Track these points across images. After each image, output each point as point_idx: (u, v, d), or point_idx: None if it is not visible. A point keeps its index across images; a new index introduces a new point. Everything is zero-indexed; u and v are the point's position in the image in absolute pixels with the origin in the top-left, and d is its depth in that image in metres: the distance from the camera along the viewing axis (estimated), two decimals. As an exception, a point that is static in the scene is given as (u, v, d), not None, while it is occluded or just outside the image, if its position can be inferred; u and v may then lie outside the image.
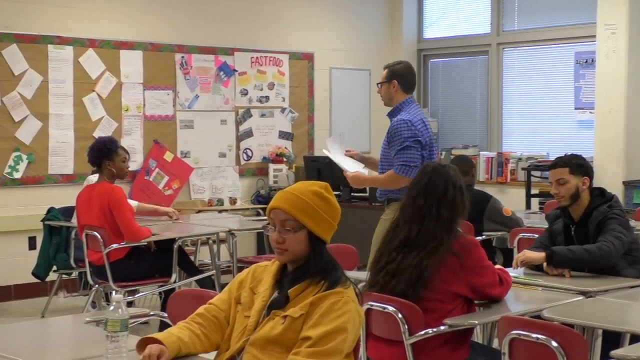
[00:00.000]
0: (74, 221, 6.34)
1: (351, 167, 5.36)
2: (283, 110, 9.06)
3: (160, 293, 6.08)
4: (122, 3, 7.95)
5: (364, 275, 3.72)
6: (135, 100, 8.02)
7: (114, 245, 5.58)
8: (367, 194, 7.80)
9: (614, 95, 7.77)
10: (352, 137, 9.47)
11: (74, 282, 7.26)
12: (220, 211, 8.15)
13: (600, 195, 4.20)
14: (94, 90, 7.77)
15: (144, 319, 4.73)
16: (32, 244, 7.37)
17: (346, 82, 9.56)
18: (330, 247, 2.75)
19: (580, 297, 3.64)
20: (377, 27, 9.79)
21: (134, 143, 7.96)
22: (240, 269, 5.81)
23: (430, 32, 9.96)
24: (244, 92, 8.76)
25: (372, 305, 3.47)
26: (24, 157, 7.39)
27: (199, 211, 8.00)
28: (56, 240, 6.66)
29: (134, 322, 2.87)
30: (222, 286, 5.56)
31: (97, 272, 5.77)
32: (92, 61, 7.74)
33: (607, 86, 7.82)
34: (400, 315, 3.36)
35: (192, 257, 6.57)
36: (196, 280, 6.08)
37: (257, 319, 2.65)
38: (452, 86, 9.81)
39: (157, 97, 8.17)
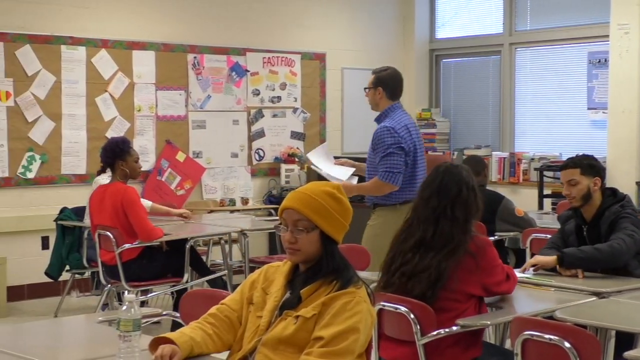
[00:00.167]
0: (87, 221, 6.37)
1: (341, 174, 5.44)
2: (295, 110, 9.06)
3: (172, 293, 6.09)
4: (134, 3, 7.97)
5: (375, 275, 3.71)
6: (147, 101, 8.04)
7: (127, 245, 5.59)
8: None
9: (627, 95, 7.73)
10: (363, 138, 9.45)
11: (86, 281, 7.29)
12: (232, 211, 8.16)
13: (612, 195, 4.19)
14: (106, 91, 7.79)
15: (156, 319, 4.74)
16: (45, 244, 7.40)
17: (358, 83, 9.49)
18: (342, 247, 2.75)
19: (593, 298, 3.63)
20: (389, 27, 9.78)
21: (146, 143, 7.98)
22: (252, 269, 5.84)
23: (442, 32, 9.95)
24: (256, 93, 8.76)
25: (384, 306, 3.46)
26: (37, 157, 7.42)
27: (211, 211, 8.01)
28: (69, 240, 6.69)
29: (146, 322, 2.88)
30: (234, 286, 5.58)
31: (110, 271, 5.78)
32: (104, 61, 7.77)
33: (620, 86, 7.79)
34: (412, 316, 3.36)
35: (204, 257, 6.58)
36: (207, 281, 6.09)
37: (270, 319, 2.65)
38: (465, 86, 9.79)
39: (169, 97, 8.19)
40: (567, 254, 4.00)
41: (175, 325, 4.59)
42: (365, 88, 5.50)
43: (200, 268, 6.12)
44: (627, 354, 2.77)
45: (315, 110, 9.19)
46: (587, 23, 8.63)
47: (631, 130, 7.72)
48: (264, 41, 8.78)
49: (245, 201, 8.54)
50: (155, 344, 2.61)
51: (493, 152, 9.18)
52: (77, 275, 6.95)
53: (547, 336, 2.95)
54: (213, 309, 2.77)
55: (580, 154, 4.28)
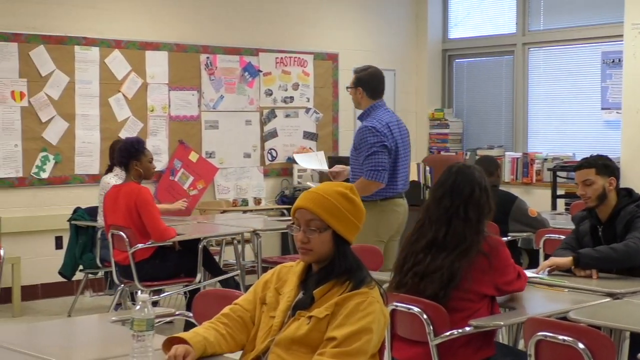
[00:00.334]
0: (100, 221, 6.39)
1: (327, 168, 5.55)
2: (307, 110, 9.06)
3: (185, 293, 6.11)
4: (147, 4, 8.00)
5: (387, 275, 3.71)
6: (160, 101, 8.06)
7: (140, 245, 5.61)
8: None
9: (641, 95, 7.70)
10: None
11: (100, 281, 7.31)
12: (244, 211, 8.17)
13: (628, 195, 4.17)
14: (119, 91, 7.82)
15: (169, 319, 4.75)
16: (58, 244, 7.43)
17: (371, 83, 9.53)
18: (355, 247, 2.75)
19: (608, 299, 3.61)
20: (401, 27, 9.77)
21: (159, 143, 8.00)
22: (264, 269, 5.84)
23: (455, 32, 9.93)
24: (269, 93, 8.77)
25: (397, 306, 3.46)
26: (51, 157, 7.45)
27: (224, 211, 8.02)
28: (82, 240, 6.71)
29: (159, 322, 2.88)
30: (247, 287, 5.58)
31: (123, 271, 5.80)
32: (118, 62, 7.79)
33: (634, 86, 7.75)
34: (425, 316, 3.35)
35: (216, 257, 6.59)
36: (220, 281, 6.10)
37: (283, 320, 2.65)
38: (477, 86, 9.77)
39: (182, 97, 8.21)
40: (582, 254, 3.99)
41: (188, 325, 4.59)
42: (346, 88, 5.63)
43: (213, 268, 6.13)
44: (641, 355, 2.76)
45: (328, 110, 9.19)
46: (600, 23, 8.59)
47: (645, 130, 7.69)
48: (277, 41, 8.78)
49: (257, 201, 8.55)
50: (168, 344, 2.62)
51: (506, 153, 9.16)
52: (90, 275, 6.97)
53: (561, 337, 2.94)
54: (226, 309, 2.78)
55: (595, 154, 4.27)
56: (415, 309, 3.38)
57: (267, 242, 7.50)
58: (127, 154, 5.72)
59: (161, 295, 6.18)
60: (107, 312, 5.97)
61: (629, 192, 4.20)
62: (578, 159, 8.29)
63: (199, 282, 5.84)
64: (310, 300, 2.63)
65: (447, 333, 3.35)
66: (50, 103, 7.43)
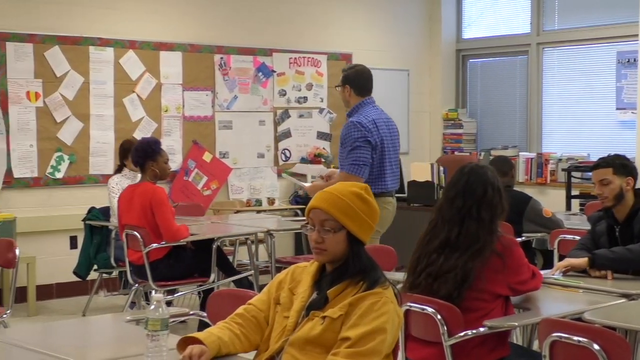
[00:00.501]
0: (113, 220, 6.42)
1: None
2: (321, 110, 9.06)
3: (199, 293, 6.12)
4: (162, 5, 8.02)
5: (401, 275, 3.70)
6: (174, 101, 8.08)
7: (154, 245, 5.62)
8: (406, 195, 7.78)
9: (657, 95, 7.66)
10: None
11: (114, 281, 7.34)
12: (258, 211, 8.18)
13: (646, 195, 4.14)
14: (134, 91, 7.84)
15: (182, 319, 4.76)
16: (73, 243, 7.46)
17: (384, 83, 9.50)
18: (369, 247, 2.75)
19: (623, 300, 3.60)
20: (415, 27, 9.76)
21: (173, 144, 8.02)
22: (278, 270, 5.85)
23: (469, 32, 9.91)
24: (283, 93, 8.78)
25: (410, 306, 3.46)
26: (66, 157, 7.48)
27: (238, 211, 8.03)
28: (97, 240, 6.73)
29: (173, 321, 2.89)
30: (261, 287, 5.59)
31: (137, 271, 5.81)
32: (132, 62, 7.82)
33: (649, 86, 7.72)
34: (439, 317, 3.35)
35: (230, 258, 6.60)
36: (234, 281, 6.11)
37: (296, 320, 2.65)
38: (491, 86, 9.74)
39: (196, 97, 8.23)
40: (598, 255, 3.97)
41: (202, 325, 4.61)
42: (335, 86, 5.72)
43: (227, 268, 6.14)
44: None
45: (342, 110, 9.15)
46: (615, 22, 8.56)
47: (661, 130, 7.65)
48: (291, 42, 8.79)
49: (271, 201, 8.56)
50: (183, 344, 2.62)
51: (520, 153, 9.13)
52: (104, 275, 6.99)
53: (575, 338, 2.93)
54: (240, 309, 2.78)
55: (612, 154, 4.24)
56: (429, 310, 3.38)
57: (280, 242, 7.51)
58: (143, 154, 5.73)
59: (175, 295, 6.20)
60: (122, 312, 5.99)
61: (646, 192, 4.17)
62: (593, 159, 8.29)
63: (213, 282, 5.85)
64: (324, 301, 2.63)
65: (462, 333, 3.34)
66: (65, 103, 7.46)
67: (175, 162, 7.97)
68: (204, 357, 2.57)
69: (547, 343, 3.03)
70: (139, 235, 5.61)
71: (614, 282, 3.89)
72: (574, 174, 8.26)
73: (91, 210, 6.84)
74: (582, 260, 4.00)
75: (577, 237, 4.83)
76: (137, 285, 5.93)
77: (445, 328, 3.34)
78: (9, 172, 7.19)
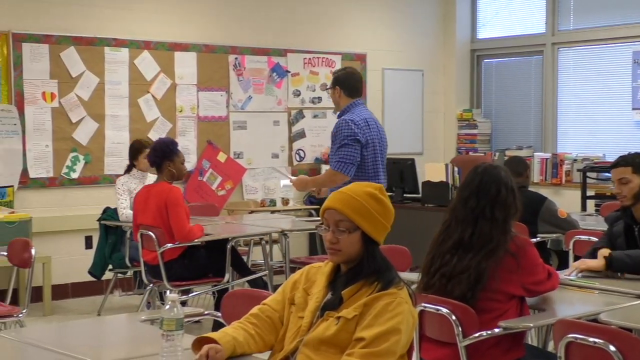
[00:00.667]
0: (122, 221, 6.46)
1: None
2: (336, 111, 9.04)
3: (213, 293, 6.13)
4: (176, 5, 8.04)
5: (415, 276, 3.69)
6: (189, 102, 8.10)
7: (169, 245, 5.63)
8: (420, 195, 7.77)
9: (673, 95, 7.62)
10: (404, 138, 9.45)
11: (129, 281, 7.36)
12: (272, 212, 8.18)
13: (665, 194, 4.11)
14: (148, 92, 7.87)
15: (197, 318, 4.76)
16: (88, 243, 7.49)
17: (399, 83, 9.53)
18: (383, 248, 2.75)
19: (639, 301, 3.57)
20: (430, 27, 9.74)
21: (187, 144, 8.04)
22: (292, 270, 5.85)
23: (483, 32, 9.88)
24: (297, 93, 8.78)
25: (425, 307, 3.45)
26: (81, 157, 7.52)
27: (252, 212, 8.04)
28: (112, 240, 6.76)
29: (188, 321, 2.90)
30: (275, 287, 5.59)
31: (152, 271, 5.83)
32: (147, 63, 7.84)
33: (665, 86, 7.68)
34: (454, 317, 3.34)
35: (244, 258, 6.60)
36: (248, 281, 6.11)
37: (311, 320, 2.65)
38: (506, 87, 9.71)
39: (210, 98, 8.24)
40: (615, 257, 3.94)
41: (217, 325, 4.61)
42: (326, 89, 5.73)
43: (241, 268, 6.15)
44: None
45: (356, 110, 9.17)
46: (631, 22, 8.52)
47: (677, 130, 7.61)
48: (305, 42, 8.79)
49: (285, 202, 8.56)
50: (198, 344, 2.62)
51: (535, 153, 9.10)
52: (119, 275, 7.02)
53: (591, 339, 2.91)
54: (255, 309, 2.78)
55: (632, 152, 4.22)
56: (444, 310, 3.37)
57: (295, 243, 7.51)
58: (161, 154, 5.74)
59: (190, 295, 6.21)
60: (137, 312, 6.01)
61: (666, 191, 4.14)
62: (608, 159, 8.26)
63: (227, 282, 5.86)
64: (339, 301, 2.63)
65: (476, 334, 3.33)
66: (80, 104, 7.49)
67: (189, 163, 7.98)
68: (219, 354, 2.57)
69: (563, 344, 3.02)
70: (153, 235, 5.63)
71: (630, 282, 3.86)
72: (589, 174, 8.22)
73: (106, 210, 6.86)
74: (598, 263, 3.98)
75: (593, 238, 4.81)
76: (151, 285, 5.95)
77: (460, 329, 3.33)
78: (24, 172, 7.23)
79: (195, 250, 5.80)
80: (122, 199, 6.59)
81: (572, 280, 3.91)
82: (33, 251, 4.90)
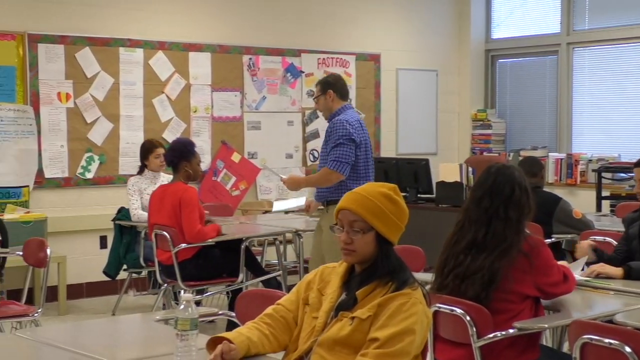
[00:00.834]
0: (136, 221, 6.48)
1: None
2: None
3: (227, 293, 6.14)
4: (190, 6, 8.06)
5: (429, 276, 3.69)
6: (203, 102, 8.12)
7: (183, 245, 5.64)
8: (434, 196, 7.75)
9: (689, 95, 7.58)
10: (418, 139, 9.44)
11: (143, 280, 7.38)
12: (286, 212, 8.18)
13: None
14: (163, 92, 7.89)
15: (211, 318, 4.77)
16: (103, 243, 7.52)
17: (413, 83, 9.51)
18: (397, 248, 2.74)
19: (655, 302, 3.56)
20: (444, 27, 9.72)
21: (202, 144, 8.05)
22: (306, 270, 5.85)
23: (498, 32, 9.85)
24: (311, 94, 8.77)
25: (439, 308, 3.44)
26: (96, 157, 7.55)
27: (266, 212, 8.04)
28: (126, 240, 6.78)
29: (202, 321, 2.90)
30: (289, 287, 5.60)
31: (166, 271, 5.84)
32: (161, 63, 7.86)
33: (681, 86, 7.63)
34: (468, 318, 3.33)
35: (258, 258, 6.61)
36: (262, 281, 6.12)
37: (325, 320, 2.65)
38: (521, 87, 9.68)
39: (224, 98, 8.25)
40: (633, 268, 3.92)
41: (231, 325, 4.62)
42: (314, 99, 5.79)
43: (255, 268, 6.15)
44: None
45: (370, 111, 9.18)
46: (647, 22, 8.48)
47: (693, 131, 7.56)
48: (319, 42, 8.79)
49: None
50: (212, 344, 2.63)
51: (550, 154, 9.07)
52: (134, 274, 7.04)
53: (607, 340, 2.90)
54: (269, 309, 2.78)
55: None
56: (458, 311, 3.36)
57: (308, 243, 7.50)
58: (178, 154, 5.76)
59: (204, 295, 6.22)
60: (151, 311, 6.03)
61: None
62: (623, 160, 8.22)
63: (242, 282, 5.87)
64: (353, 301, 2.63)
65: (491, 335, 3.32)
66: (95, 104, 7.52)
67: (204, 163, 7.97)
68: (233, 353, 2.58)
69: (578, 345, 3.01)
70: (167, 235, 5.64)
71: (646, 283, 3.84)
72: (604, 174, 8.18)
73: (121, 210, 6.89)
74: (617, 271, 3.95)
75: (608, 239, 4.79)
76: (166, 285, 5.96)
77: (475, 329, 3.32)
78: (40, 172, 7.26)
79: (209, 251, 5.81)
80: (134, 200, 6.61)
81: (587, 281, 3.90)
82: (48, 251, 4.92)
